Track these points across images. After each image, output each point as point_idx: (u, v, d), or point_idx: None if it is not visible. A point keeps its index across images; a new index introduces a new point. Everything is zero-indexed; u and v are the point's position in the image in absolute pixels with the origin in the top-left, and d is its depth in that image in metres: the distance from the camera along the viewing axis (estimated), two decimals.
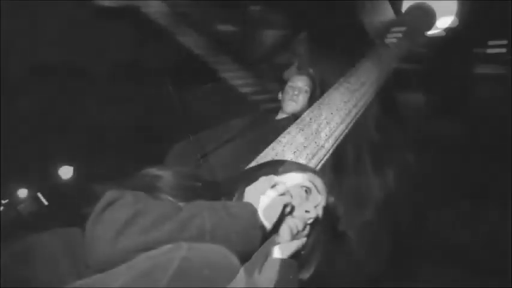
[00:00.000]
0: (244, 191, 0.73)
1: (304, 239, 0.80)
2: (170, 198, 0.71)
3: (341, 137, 1.44)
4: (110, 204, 0.59)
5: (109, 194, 0.61)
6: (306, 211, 0.78)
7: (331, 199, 0.91)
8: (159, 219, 0.56)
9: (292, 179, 0.84)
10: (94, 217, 0.57)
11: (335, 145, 1.41)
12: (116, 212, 0.57)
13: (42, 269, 0.59)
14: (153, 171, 0.79)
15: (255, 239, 0.60)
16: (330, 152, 1.39)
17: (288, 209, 0.75)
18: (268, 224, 0.67)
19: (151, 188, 0.72)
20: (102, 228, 0.55)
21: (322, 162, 1.34)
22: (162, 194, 0.72)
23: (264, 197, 0.70)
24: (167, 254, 0.43)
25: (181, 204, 0.67)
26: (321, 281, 0.87)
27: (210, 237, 0.55)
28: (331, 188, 0.92)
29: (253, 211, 0.64)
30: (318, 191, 0.84)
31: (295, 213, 0.77)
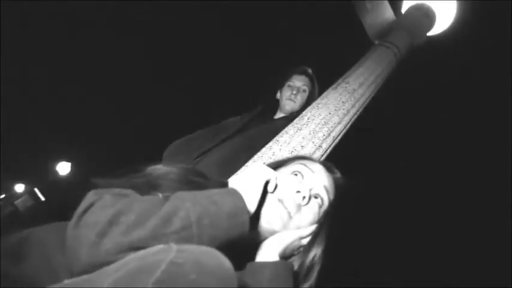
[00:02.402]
0: (228, 183, 0.72)
1: (308, 228, 0.76)
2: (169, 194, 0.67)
3: (339, 137, 1.45)
4: (89, 206, 0.56)
5: (89, 196, 0.59)
6: (297, 191, 0.74)
7: (338, 176, 0.86)
8: (142, 216, 0.54)
9: (283, 171, 0.82)
10: (75, 221, 0.55)
11: (333, 145, 1.41)
12: (96, 214, 0.55)
13: (35, 265, 0.58)
14: (160, 168, 0.76)
15: (243, 221, 0.59)
16: (328, 152, 1.39)
17: (271, 188, 0.72)
18: (248, 199, 0.64)
19: (152, 186, 0.70)
20: (84, 232, 0.53)
21: None
22: (163, 190, 0.69)
23: (244, 177, 0.69)
24: (155, 256, 0.41)
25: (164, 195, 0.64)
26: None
27: (197, 228, 0.54)
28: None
29: (236, 193, 0.62)
30: (312, 171, 0.80)
31: (283, 195, 0.74)
